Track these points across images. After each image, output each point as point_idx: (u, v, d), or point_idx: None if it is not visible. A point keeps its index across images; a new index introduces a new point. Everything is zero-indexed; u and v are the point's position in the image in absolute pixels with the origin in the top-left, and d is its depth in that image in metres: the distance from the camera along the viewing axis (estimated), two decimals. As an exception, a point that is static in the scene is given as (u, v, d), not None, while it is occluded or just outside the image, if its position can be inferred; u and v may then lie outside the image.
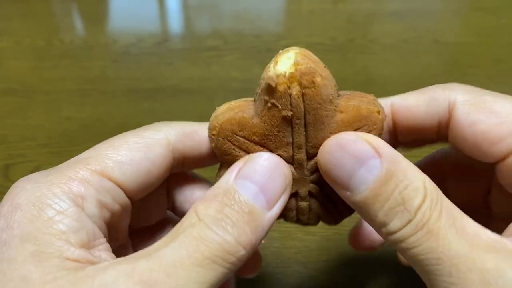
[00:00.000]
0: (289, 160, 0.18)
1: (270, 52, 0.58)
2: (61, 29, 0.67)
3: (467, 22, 0.67)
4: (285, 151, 0.18)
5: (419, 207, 0.15)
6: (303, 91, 0.17)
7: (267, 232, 0.16)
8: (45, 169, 0.17)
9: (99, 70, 0.55)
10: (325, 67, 0.17)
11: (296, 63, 0.16)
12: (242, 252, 0.15)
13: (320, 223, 0.21)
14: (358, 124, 0.18)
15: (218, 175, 0.20)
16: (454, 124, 0.18)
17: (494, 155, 0.17)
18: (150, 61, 0.57)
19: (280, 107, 0.17)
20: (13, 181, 0.16)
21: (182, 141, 0.19)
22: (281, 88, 0.16)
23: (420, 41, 0.59)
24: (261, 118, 0.18)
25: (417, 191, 0.15)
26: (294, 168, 0.19)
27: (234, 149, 0.18)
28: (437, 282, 0.14)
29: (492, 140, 0.17)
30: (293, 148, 0.18)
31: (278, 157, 0.18)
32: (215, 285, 0.15)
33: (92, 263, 0.15)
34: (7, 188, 0.16)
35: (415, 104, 0.19)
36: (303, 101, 0.17)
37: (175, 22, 0.71)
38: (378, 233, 0.16)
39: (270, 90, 0.17)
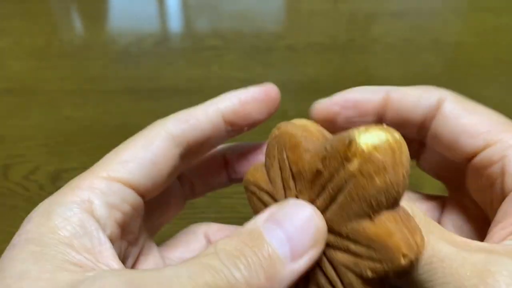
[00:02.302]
0: None
1: (270, 52, 0.58)
2: (61, 28, 0.67)
3: (467, 22, 0.67)
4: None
5: None
6: (356, 175, 0.14)
7: (286, 287, 0.15)
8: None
9: (99, 69, 0.55)
10: (404, 176, 0.14)
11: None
12: None
13: None
14: (372, 244, 0.14)
15: None
16: (440, 114, 0.19)
17: (467, 149, 0.18)
18: (150, 61, 0.56)
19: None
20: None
21: (180, 128, 0.19)
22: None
23: (420, 41, 0.59)
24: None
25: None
26: None
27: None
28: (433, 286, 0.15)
29: (471, 133, 0.18)
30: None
31: (314, 207, 0.16)
32: None
33: (93, 269, 0.15)
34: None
35: (408, 92, 0.20)
36: (345, 180, 0.15)
37: (175, 22, 0.71)
38: None
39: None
